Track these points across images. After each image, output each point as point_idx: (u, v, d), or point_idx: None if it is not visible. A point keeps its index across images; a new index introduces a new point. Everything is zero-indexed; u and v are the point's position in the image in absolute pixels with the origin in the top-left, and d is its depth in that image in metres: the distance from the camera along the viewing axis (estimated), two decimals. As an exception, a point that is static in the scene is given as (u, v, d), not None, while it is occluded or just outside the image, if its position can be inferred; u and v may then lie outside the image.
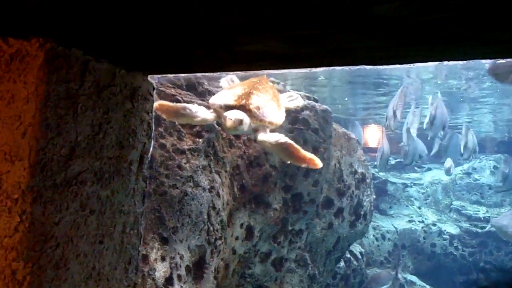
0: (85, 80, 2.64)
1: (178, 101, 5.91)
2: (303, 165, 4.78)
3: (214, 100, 4.93)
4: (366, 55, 2.71)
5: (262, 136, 4.78)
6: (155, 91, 3.41)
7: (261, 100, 4.83)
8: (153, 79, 3.36)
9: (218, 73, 4.96)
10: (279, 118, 4.98)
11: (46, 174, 2.44)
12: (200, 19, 2.14)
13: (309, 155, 4.75)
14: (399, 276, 13.06)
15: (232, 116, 4.55)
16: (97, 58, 2.72)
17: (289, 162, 4.99)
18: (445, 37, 2.28)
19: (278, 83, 7.88)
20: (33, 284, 2.38)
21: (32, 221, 2.37)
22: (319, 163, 4.69)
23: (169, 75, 5.25)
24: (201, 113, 4.83)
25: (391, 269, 13.26)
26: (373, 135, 18.78)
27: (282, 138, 4.78)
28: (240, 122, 4.55)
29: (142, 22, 2.23)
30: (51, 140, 2.45)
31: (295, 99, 5.64)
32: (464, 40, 2.33)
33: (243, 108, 4.69)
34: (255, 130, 4.78)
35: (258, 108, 4.73)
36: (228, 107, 4.71)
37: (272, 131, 4.91)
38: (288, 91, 7.81)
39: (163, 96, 5.77)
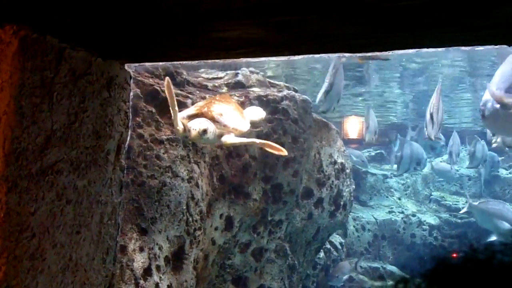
0: (60, 68, 2.60)
1: (157, 92, 5.87)
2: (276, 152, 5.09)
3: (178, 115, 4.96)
4: (346, 42, 2.69)
5: (229, 138, 4.87)
6: (132, 80, 3.38)
7: (223, 108, 4.96)
8: (130, 68, 3.32)
9: (197, 62, 4.92)
10: (243, 125, 5.13)
11: (21, 164, 2.40)
12: (176, 5, 2.10)
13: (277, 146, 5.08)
14: (358, 268, 13.17)
15: (196, 127, 4.61)
16: (73, 46, 2.68)
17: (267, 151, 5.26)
18: (425, 23, 2.27)
19: (257, 73, 7.85)
20: (8, 274, 2.35)
21: (7, 211, 2.33)
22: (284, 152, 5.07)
23: (146, 64, 5.20)
24: (178, 121, 4.81)
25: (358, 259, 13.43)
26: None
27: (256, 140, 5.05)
28: (205, 131, 4.60)
29: (117, 8, 2.20)
30: (26, 129, 2.41)
31: (259, 112, 5.97)
32: (444, 26, 2.33)
33: (206, 114, 4.75)
34: (220, 136, 4.84)
35: (220, 114, 4.85)
36: (191, 116, 4.77)
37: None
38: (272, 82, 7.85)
39: (141, 85, 5.72)
